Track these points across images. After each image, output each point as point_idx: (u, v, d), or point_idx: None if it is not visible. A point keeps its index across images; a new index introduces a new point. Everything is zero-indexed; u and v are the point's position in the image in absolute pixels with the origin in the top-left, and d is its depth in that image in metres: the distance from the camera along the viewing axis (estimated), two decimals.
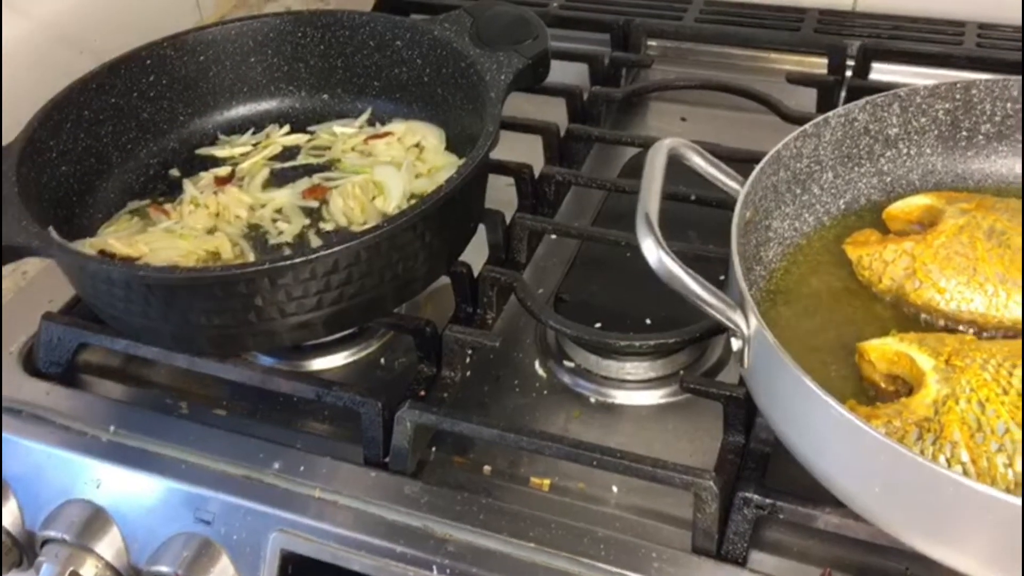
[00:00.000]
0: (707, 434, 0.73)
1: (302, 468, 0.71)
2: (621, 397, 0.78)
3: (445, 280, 0.81)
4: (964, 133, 0.78)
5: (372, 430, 0.70)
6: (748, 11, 1.17)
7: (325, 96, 0.96)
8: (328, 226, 0.83)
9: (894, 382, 0.63)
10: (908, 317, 0.69)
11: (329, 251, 0.66)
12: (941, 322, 0.68)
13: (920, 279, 0.68)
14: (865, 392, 0.65)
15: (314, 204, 0.85)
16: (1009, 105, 0.76)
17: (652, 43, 1.17)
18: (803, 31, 1.12)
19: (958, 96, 0.76)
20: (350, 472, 0.71)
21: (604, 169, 1.02)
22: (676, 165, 0.71)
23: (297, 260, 0.66)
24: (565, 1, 1.23)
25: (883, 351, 0.63)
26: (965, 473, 0.55)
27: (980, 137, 0.78)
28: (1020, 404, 0.56)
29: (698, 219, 0.89)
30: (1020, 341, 0.63)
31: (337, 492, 0.69)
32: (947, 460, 0.56)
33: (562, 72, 1.08)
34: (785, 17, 1.16)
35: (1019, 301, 0.65)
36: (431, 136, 0.90)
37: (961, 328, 0.67)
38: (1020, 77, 0.76)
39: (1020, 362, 0.59)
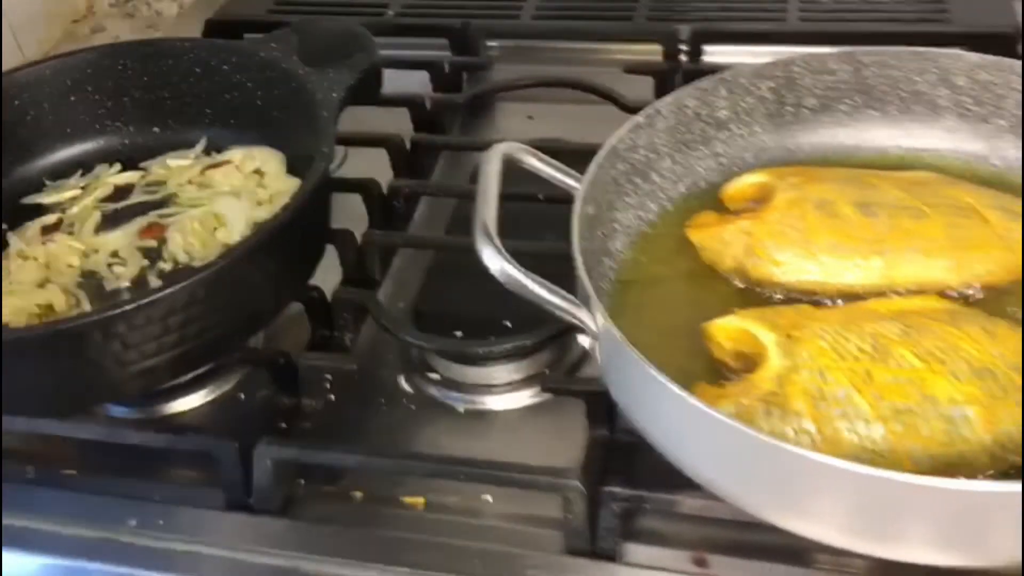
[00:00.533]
0: (577, 429, 0.73)
1: (161, 522, 0.68)
2: (490, 403, 0.78)
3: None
4: (790, 108, 0.80)
5: (231, 472, 0.68)
6: (583, 4, 1.19)
7: (155, 129, 0.92)
8: (168, 265, 0.80)
9: (742, 359, 0.64)
10: (754, 294, 0.71)
11: (162, 293, 0.64)
12: (782, 295, 0.70)
13: (758, 255, 0.70)
14: (717, 373, 0.66)
15: (152, 244, 0.82)
16: (827, 78, 0.79)
17: (492, 44, 1.17)
18: (636, 20, 1.14)
19: (779, 73, 0.79)
20: (213, 519, 0.68)
21: (455, 176, 1.01)
22: None
23: (127, 307, 0.63)
24: (402, 8, 1.22)
25: (727, 330, 0.64)
26: (812, 442, 0.56)
27: (805, 111, 0.80)
28: (857, 368, 0.58)
29: (553, 217, 0.88)
30: (854, 306, 0.65)
31: (200, 542, 0.67)
32: (794, 431, 0.57)
33: (405, 81, 1.07)
34: (619, 7, 1.17)
35: (850, 267, 0.68)
36: (271, 161, 0.88)
37: (802, 299, 0.69)
38: (835, 49, 0.79)
39: (854, 327, 0.60)
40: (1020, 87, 0.74)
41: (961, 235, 0.68)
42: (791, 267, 0.69)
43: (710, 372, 0.66)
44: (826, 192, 0.71)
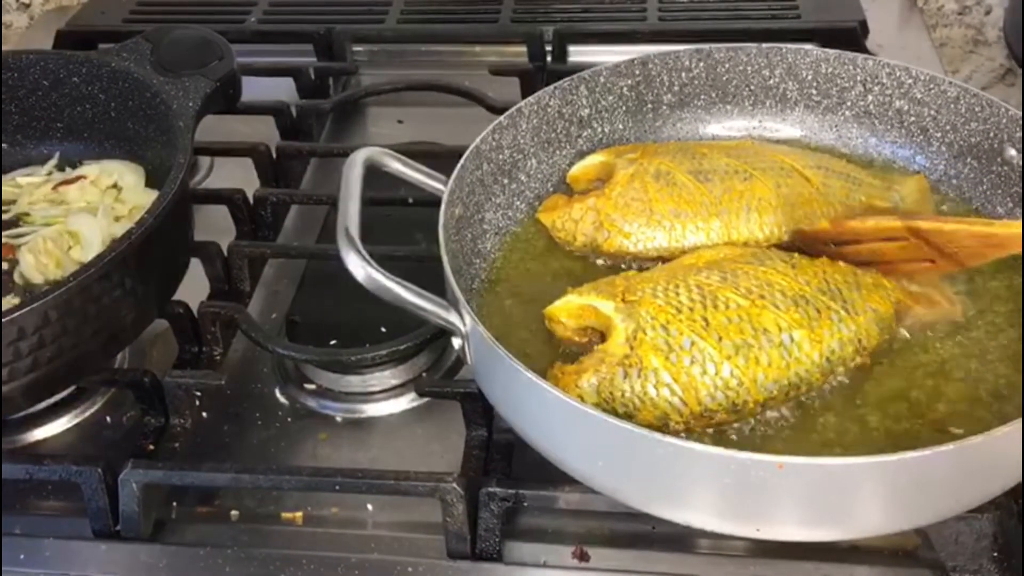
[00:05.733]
0: (457, 432, 0.73)
1: (22, 556, 0.65)
2: (368, 410, 0.77)
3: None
4: (649, 105, 0.82)
5: (96, 499, 0.65)
6: (448, 7, 1.18)
7: (4, 145, 0.88)
8: (20, 287, 0.76)
9: (586, 334, 0.65)
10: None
11: (10, 317, 0.61)
12: (635, 265, 0.72)
13: (607, 229, 0.73)
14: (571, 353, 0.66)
15: (3, 265, 0.78)
16: (683, 75, 0.81)
17: (358, 48, 1.16)
18: (500, 22, 1.15)
19: (637, 71, 0.80)
20: (79, 549, 0.65)
21: (325, 183, 1.00)
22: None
23: None
24: (264, 15, 1.19)
25: (568, 309, 0.65)
26: (672, 393, 0.59)
27: (664, 107, 0.82)
28: (695, 317, 0.61)
29: (424, 220, 0.88)
30: (672, 263, 0.68)
31: (66, 574, 0.64)
32: (654, 387, 0.59)
33: (271, 88, 1.05)
34: (483, 9, 1.17)
35: (693, 230, 0.71)
36: (128, 174, 0.85)
37: (650, 267, 0.71)
38: (689, 47, 0.81)
39: (680, 282, 0.63)
40: (861, 79, 0.78)
41: (787, 193, 0.73)
42: (639, 236, 0.72)
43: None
44: (662, 164, 0.74)
